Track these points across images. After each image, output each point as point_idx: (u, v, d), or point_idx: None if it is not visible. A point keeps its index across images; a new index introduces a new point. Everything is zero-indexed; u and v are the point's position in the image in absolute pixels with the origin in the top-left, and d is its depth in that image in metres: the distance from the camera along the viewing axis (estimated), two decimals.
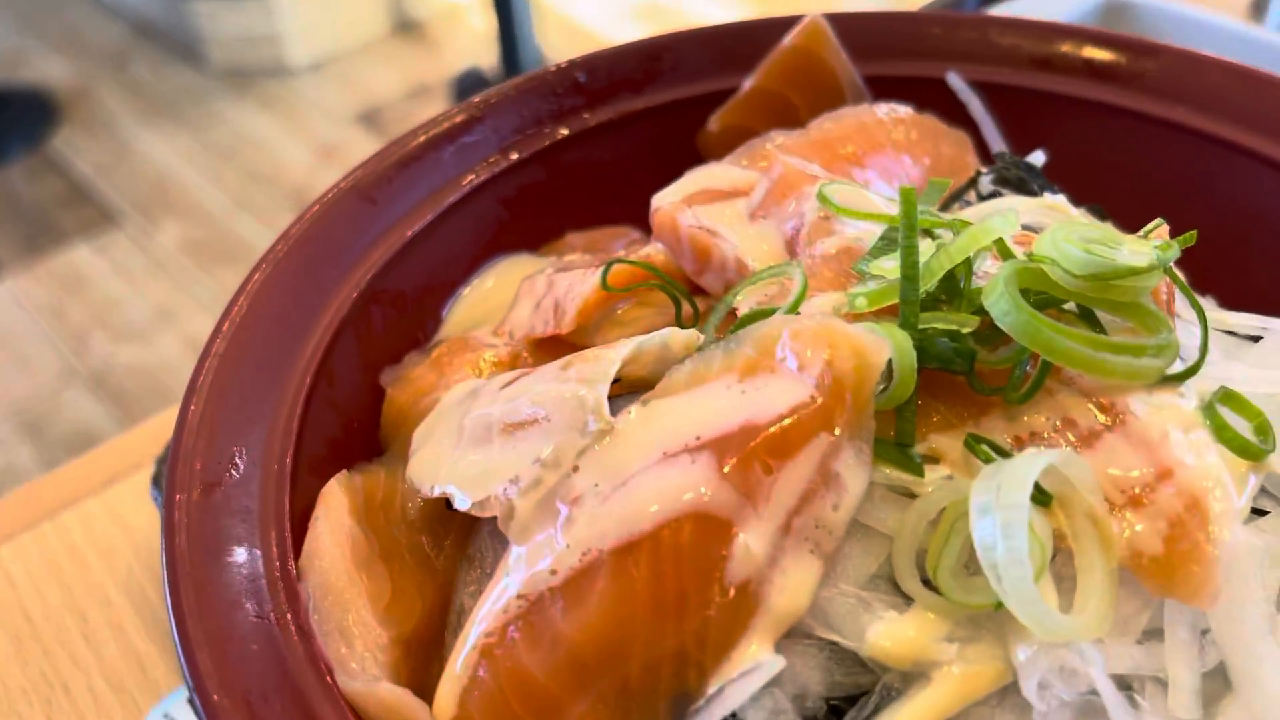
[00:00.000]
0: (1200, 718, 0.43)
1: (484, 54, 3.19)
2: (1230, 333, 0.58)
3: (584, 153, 0.73)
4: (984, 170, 0.66)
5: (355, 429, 0.61)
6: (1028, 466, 0.43)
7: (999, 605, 0.43)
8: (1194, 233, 0.52)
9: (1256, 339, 0.56)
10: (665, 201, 0.63)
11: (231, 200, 2.93)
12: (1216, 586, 0.43)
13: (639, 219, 0.67)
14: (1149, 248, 0.49)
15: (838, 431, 0.45)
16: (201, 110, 3.27)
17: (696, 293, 0.62)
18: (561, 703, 0.44)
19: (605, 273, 0.60)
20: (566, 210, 0.73)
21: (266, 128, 3.19)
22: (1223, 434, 0.46)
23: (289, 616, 0.46)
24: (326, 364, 0.58)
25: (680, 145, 0.74)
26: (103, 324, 2.58)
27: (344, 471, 0.56)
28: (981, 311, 0.48)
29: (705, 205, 0.63)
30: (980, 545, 0.42)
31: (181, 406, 0.52)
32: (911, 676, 0.45)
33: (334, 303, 0.60)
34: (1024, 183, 0.64)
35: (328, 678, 0.45)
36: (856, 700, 0.45)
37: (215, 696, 0.42)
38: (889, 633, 0.44)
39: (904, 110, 0.70)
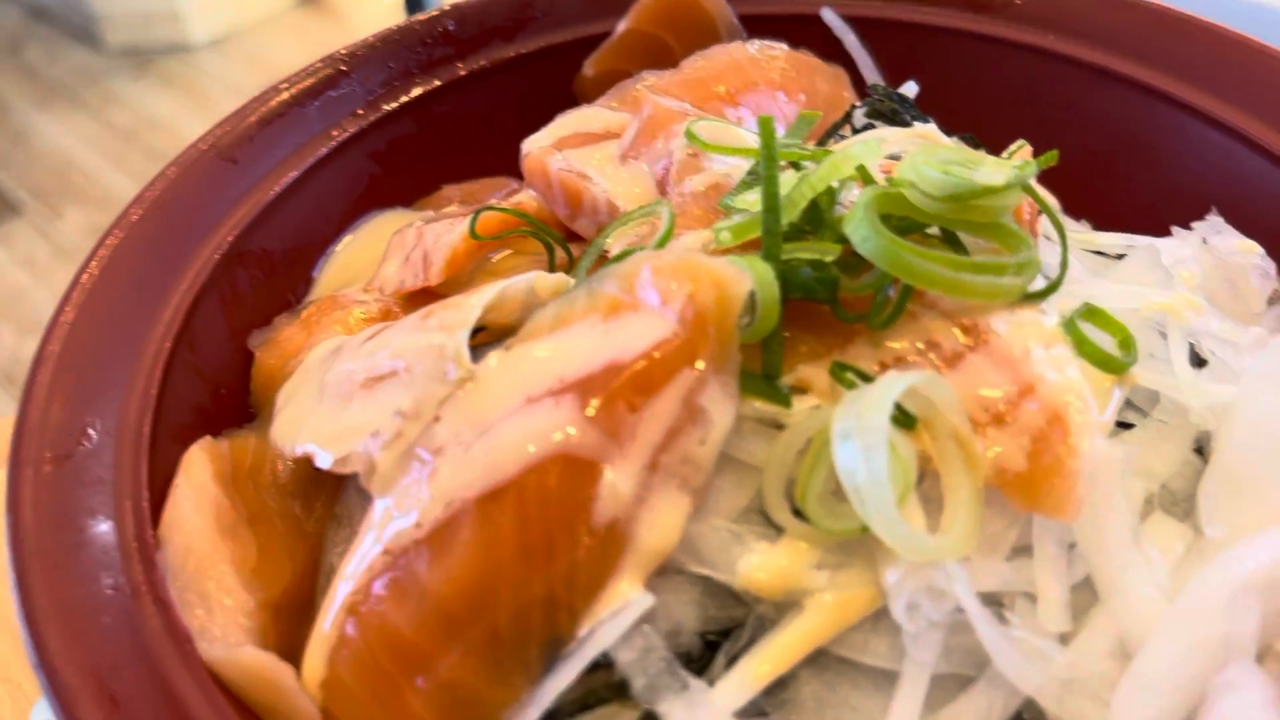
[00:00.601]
0: (1069, 629, 0.44)
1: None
2: (1099, 253, 0.58)
3: (456, 103, 0.71)
4: (858, 104, 0.65)
5: (224, 395, 0.59)
6: (886, 389, 0.43)
7: (865, 530, 0.42)
8: (1054, 152, 0.52)
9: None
10: (535, 146, 0.62)
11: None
12: (1080, 499, 0.43)
13: (516, 169, 0.66)
14: (1007, 167, 0.49)
15: (702, 366, 0.45)
16: (100, 92, 3.16)
17: (572, 239, 0.61)
18: (431, 656, 0.43)
19: (473, 221, 0.59)
20: (441, 163, 0.71)
21: (168, 107, 3.09)
22: (1083, 348, 0.46)
23: (145, 587, 0.45)
24: (188, 329, 0.56)
25: (556, 92, 0.73)
26: (8, 317, 2.50)
27: (208, 437, 0.54)
28: (845, 240, 0.48)
29: (576, 149, 0.62)
30: (842, 470, 0.42)
31: (28, 378, 0.50)
32: (785, 606, 0.44)
33: (194, 266, 0.58)
34: (896, 114, 0.63)
35: (187, 646, 0.44)
36: (731, 634, 0.45)
37: (62, 672, 0.40)
38: (761, 564, 0.44)
39: (778, 47, 0.70)
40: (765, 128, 0.49)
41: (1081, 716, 0.42)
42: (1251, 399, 0.46)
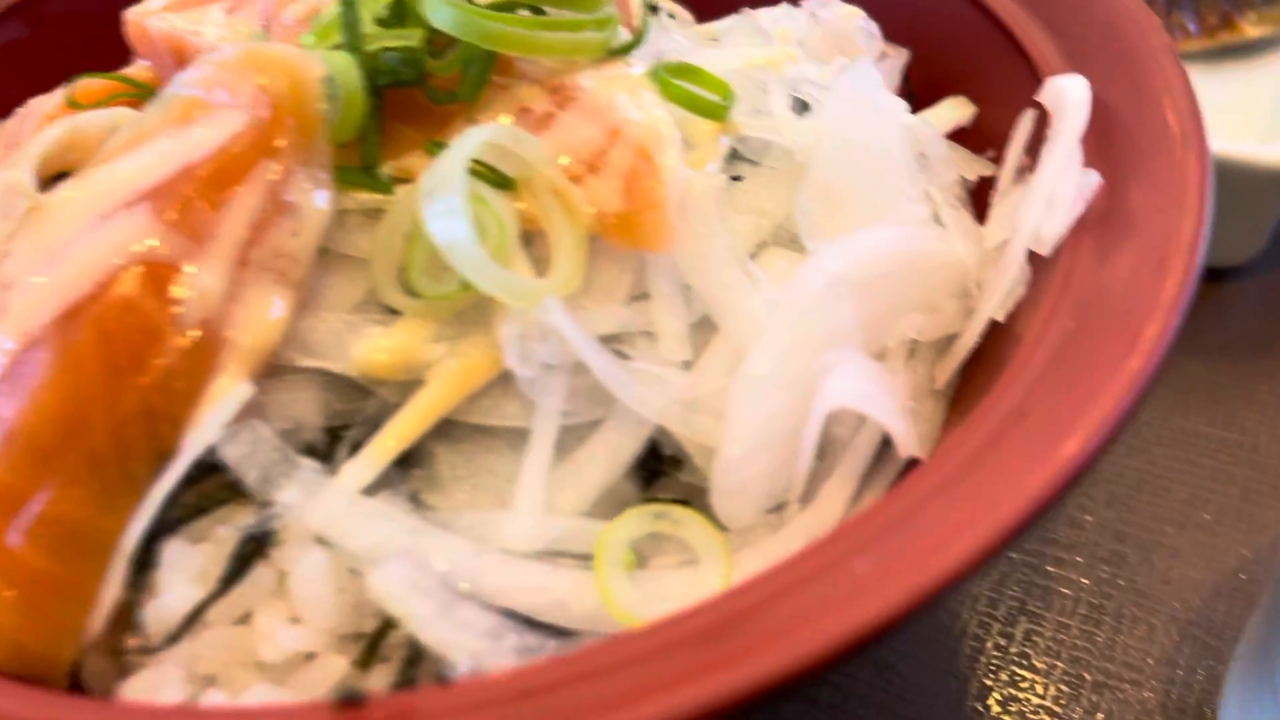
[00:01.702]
0: (690, 358, 0.44)
1: None
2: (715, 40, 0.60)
3: (69, 3, 0.67)
4: None
5: None
6: (460, 145, 0.42)
7: (468, 288, 0.42)
8: None
9: None
10: (135, 13, 0.58)
11: None
12: (672, 227, 0.44)
13: None
14: None
15: (283, 157, 0.43)
16: None
17: None
18: (27, 494, 0.40)
19: (72, 90, 0.55)
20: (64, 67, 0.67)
21: None
22: (669, 90, 0.47)
23: None
24: None
25: None
26: None
27: None
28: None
29: (183, 11, 0.59)
30: (433, 230, 0.41)
31: None
32: (410, 387, 0.43)
33: None
34: None
35: None
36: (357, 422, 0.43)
37: None
38: (373, 346, 0.43)
39: None
40: None
41: (707, 431, 0.43)
42: (835, 116, 0.47)
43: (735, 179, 0.49)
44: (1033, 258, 0.46)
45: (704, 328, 0.45)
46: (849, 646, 0.31)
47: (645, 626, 0.34)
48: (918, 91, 0.60)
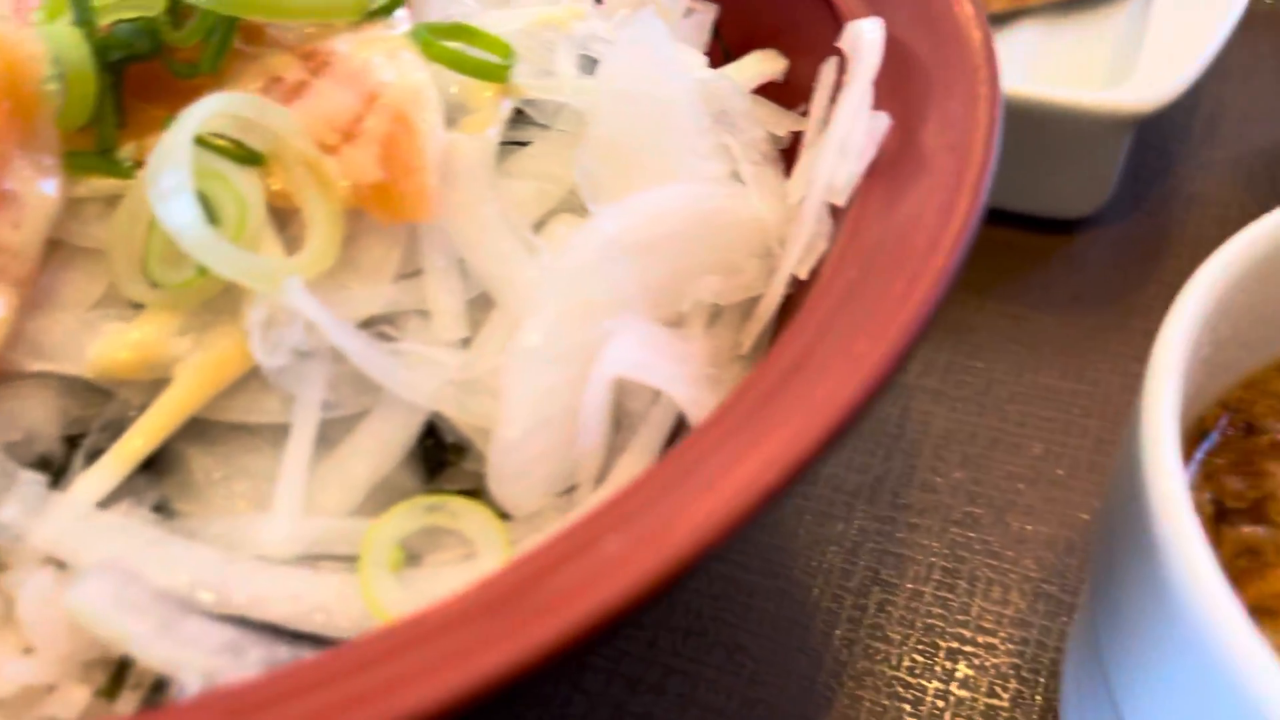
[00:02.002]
0: (466, 335, 0.41)
1: None
2: None
3: None
4: None
5: None
6: (186, 119, 0.38)
7: (205, 273, 0.38)
8: None
9: None
10: None
11: None
12: (433, 195, 0.41)
13: None
14: None
15: None
16: None
17: None
18: None
19: None
20: None
21: None
22: (432, 50, 0.44)
23: None
24: None
25: None
26: None
27: None
28: None
29: None
30: (160, 213, 0.38)
31: None
32: (157, 386, 0.40)
33: None
34: None
35: None
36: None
37: None
38: (113, 344, 0.39)
39: None
40: None
41: (485, 414, 0.39)
42: (613, 71, 0.44)
43: (522, 144, 0.47)
44: (835, 209, 0.44)
45: (484, 304, 0.42)
46: (591, 632, 0.28)
47: (394, 623, 0.30)
48: (733, 48, 0.58)
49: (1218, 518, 0.44)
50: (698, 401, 0.39)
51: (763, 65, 0.53)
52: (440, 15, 0.50)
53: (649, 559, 0.29)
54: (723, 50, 0.58)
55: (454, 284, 0.41)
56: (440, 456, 0.41)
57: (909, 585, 0.60)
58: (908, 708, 0.55)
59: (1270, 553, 0.42)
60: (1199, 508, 0.44)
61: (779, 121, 0.51)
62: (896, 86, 0.45)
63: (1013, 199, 0.76)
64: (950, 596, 0.59)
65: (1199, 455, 0.45)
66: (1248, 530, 0.43)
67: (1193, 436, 0.46)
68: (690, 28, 0.55)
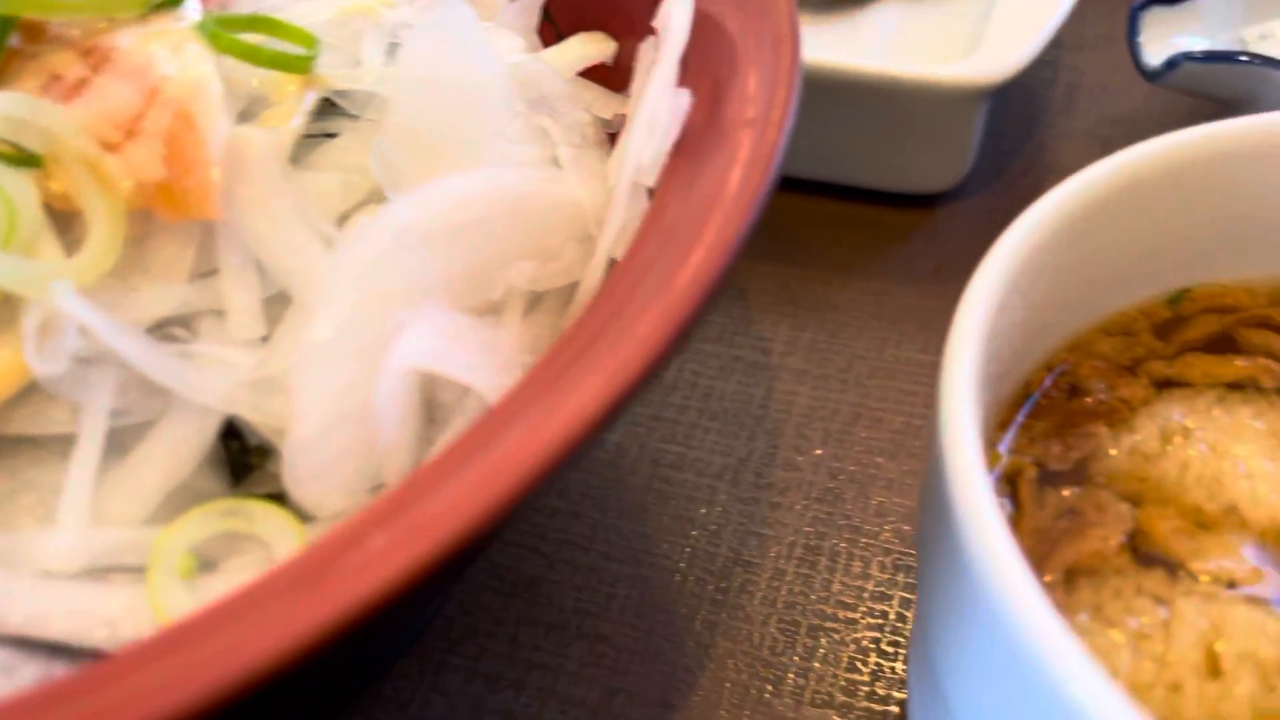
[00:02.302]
0: (264, 333, 0.40)
1: None
2: None
3: None
4: None
5: None
6: None
7: None
8: None
9: None
10: None
11: None
12: (218, 191, 0.39)
13: None
14: None
15: None
16: None
17: None
18: None
19: None
20: None
21: None
22: (220, 42, 0.42)
23: None
24: None
25: None
26: None
27: None
28: None
29: None
30: None
31: None
32: None
33: None
34: None
35: None
36: None
37: None
38: None
39: None
40: None
41: (280, 414, 0.38)
42: (413, 56, 0.43)
43: (330, 135, 0.46)
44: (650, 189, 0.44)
45: (284, 301, 0.41)
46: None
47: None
48: (567, 32, 0.57)
49: (1041, 480, 0.44)
50: (496, 389, 0.38)
51: (587, 48, 0.52)
52: (252, 7, 0.49)
53: (406, 553, 0.28)
54: (556, 34, 0.57)
55: (250, 281, 0.40)
56: (245, 460, 0.40)
57: (771, 564, 0.59)
58: (770, 687, 0.55)
59: (1090, 512, 0.43)
60: (1021, 471, 0.44)
61: (604, 104, 0.50)
62: (706, 62, 0.45)
63: (873, 177, 0.76)
64: (812, 574, 0.59)
65: (1019, 419, 0.45)
66: (1069, 491, 0.43)
67: (1018, 400, 0.46)
68: (516, 12, 0.54)
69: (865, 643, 0.56)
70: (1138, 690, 0.37)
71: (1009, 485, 0.44)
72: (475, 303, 0.42)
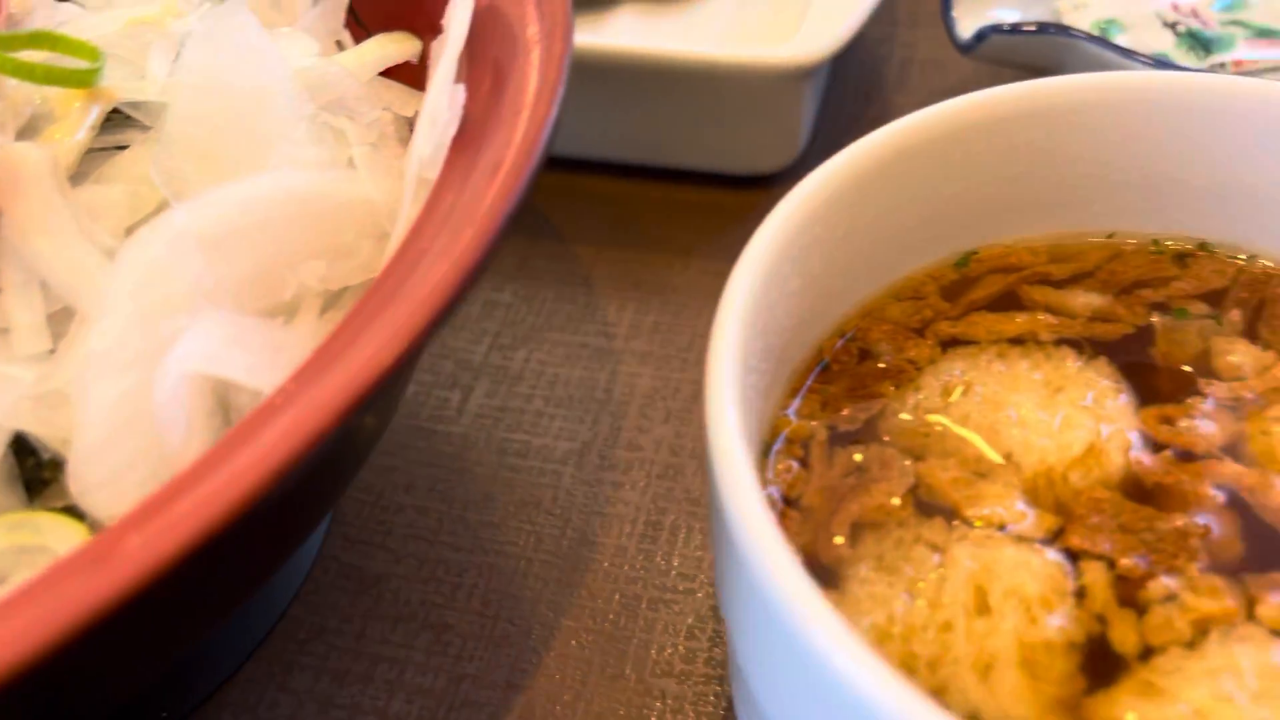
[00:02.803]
0: (50, 348, 0.40)
1: None
2: None
3: None
4: None
5: None
6: None
7: None
8: None
9: None
10: None
11: None
12: None
13: None
14: None
15: None
16: None
17: None
18: None
19: None
20: None
21: None
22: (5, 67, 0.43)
23: None
24: None
25: None
26: None
27: None
28: None
29: None
30: None
31: None
32: None
33: None
34: None
35: None
36: None
37: None
38: None
39: None
40: None
41: (66, 425, 0.39)
42: (190, 63, 0.44)
43: (123, 148, 0.46)
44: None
45: (69, 315, 0.41)
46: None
47: None
48: (378, 33, 0.58)
49: (832, 441, 0.46)
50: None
51: (388, 48, 0.53)
52: (45, 22, 0.49)
53: (151, 551, 0.29)
54: (367, 35, 0.58)
55: (32, 298, 0.41)
56: (40, 475, 0.40)
57: (614, 543, 0.61)
58: (613, 661, 0.56)
59: (876, 469, 0.45)
60: (813, 434, 0.46)
61: (405, 102, 0.51)
62: (490, 53, 0.46)
63: (709, 160, 0.78)
64: (653, 549, 0.61)
65: (809, 384, 0.47)
66: (860, 451, 0.46)
67: (810, 366, 0.48)
68: (318, 16, 0.55)
69: (704, 611, 0.58)
70: (912, 632, 0.39)
71: (801, 448, 0.46)
72: (265, 304, 0.42)
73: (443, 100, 0.44)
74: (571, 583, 0.59)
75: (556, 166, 0.81)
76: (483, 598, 0.59)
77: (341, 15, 0.56)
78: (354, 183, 0.45)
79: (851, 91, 0.88)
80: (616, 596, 0.59)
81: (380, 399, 0.32)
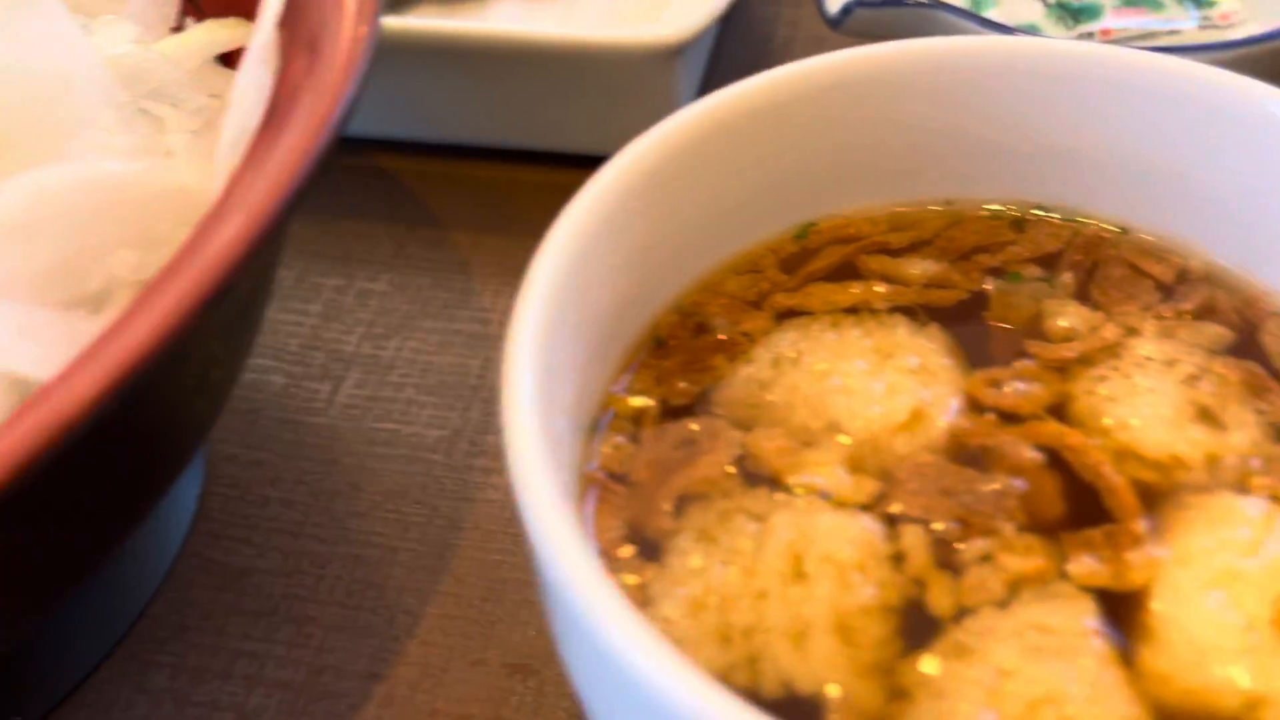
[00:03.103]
0: None
1: None
2: None
3: None
4: None
5: None
6: None
7: None
8: None
9: None
10: None
11: None
12: None
13: None
14: None
15: None
16: None
17: None
18: None
19: None
20: None
21: None
22: None
23: None
24: None
25: None
26: None
27: None
28: None
29: None
30: None
31: None
32: None
33: None
34: None
35: None
36: None
37: None
38: None
39: None
40: None
41: None
42: None
43: None
44: None
45: None
46: None
47: None
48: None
49: (664, 415, 0.46)
50: None
51: (217, 34, 0.52)
52: None
53: None
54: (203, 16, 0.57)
55: None
56: None
57: (482, 528, 0.60)
58: (475, 646, 0.56)
59: (704, 440, 0.45)
60: (644, 410, 0.46)
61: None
62: (301, 33, 0.45)
63: (585, 143, 0.77)
64: (520, 533, 0.60)
65: (641, 359, 0.47)
66: (690, 424, 0.45)
67: (644, 342, 0.48)
68: (148, 2, 0.54)
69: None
70: (727, 602, 0.39)
71: (632, 423, 0.45)
72: (68, 295, 0.41)
73: (250, 85, 0.43)
74: (438, 570, 0.59)
75: (431, 152, 0.80)
76: (346, 589, 0.58)
77: (173, 1, 0.55)
78: (169, 171, 0.45)
79: (735, 69, 0.87)
80: (483, 582, 0.58)
81: (139, 387, 0.32)
